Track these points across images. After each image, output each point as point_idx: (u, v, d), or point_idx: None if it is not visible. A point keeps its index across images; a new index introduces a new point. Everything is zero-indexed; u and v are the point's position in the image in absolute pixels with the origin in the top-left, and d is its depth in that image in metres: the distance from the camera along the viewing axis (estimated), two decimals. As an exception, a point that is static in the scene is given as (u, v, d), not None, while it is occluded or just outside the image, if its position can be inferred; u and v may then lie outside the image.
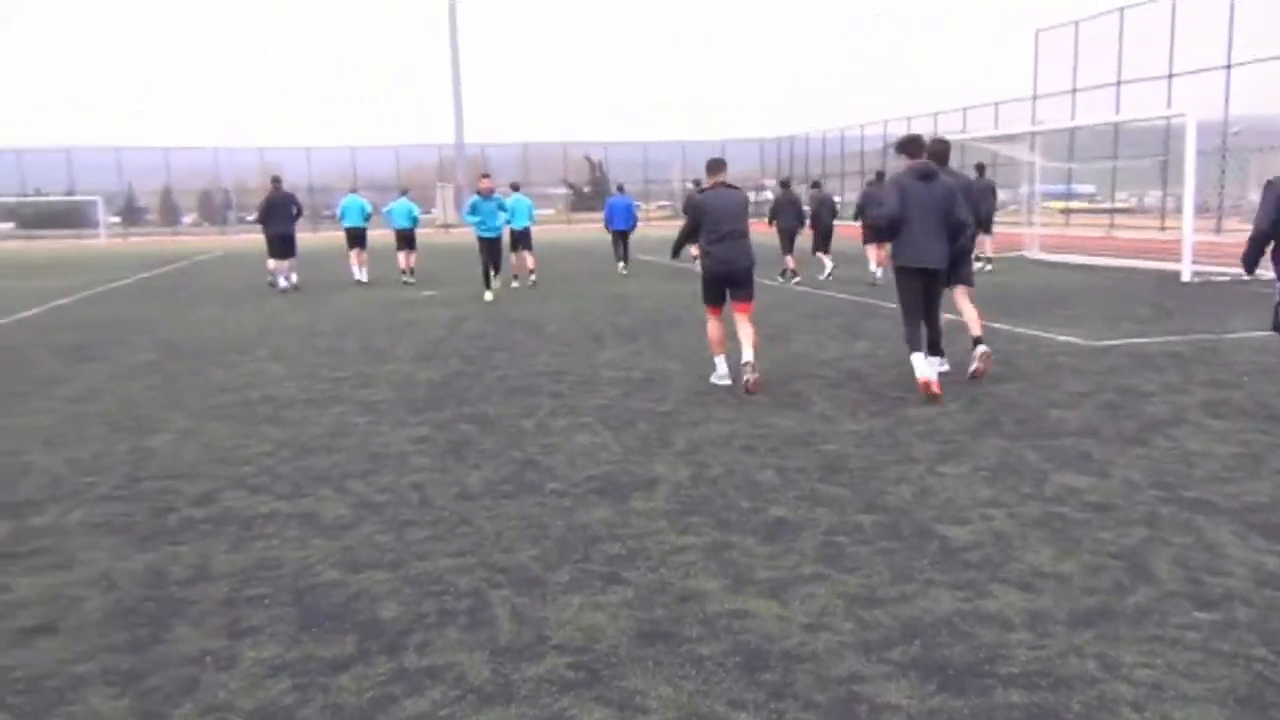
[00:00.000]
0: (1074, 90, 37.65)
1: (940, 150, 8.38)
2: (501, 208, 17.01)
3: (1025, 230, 25.16)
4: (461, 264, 24.91)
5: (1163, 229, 31.18)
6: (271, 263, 19.07)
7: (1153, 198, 41.39)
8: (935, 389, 7.53)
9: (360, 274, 20.30)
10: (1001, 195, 43.45)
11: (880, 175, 19.26)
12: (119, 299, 18.27)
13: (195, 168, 67.80)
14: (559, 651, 3.53)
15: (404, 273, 20.18)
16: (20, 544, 4.81)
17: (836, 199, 24.84)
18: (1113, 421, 6.74)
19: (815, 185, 20.18)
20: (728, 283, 8.44)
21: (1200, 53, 32.01)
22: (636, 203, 24.52)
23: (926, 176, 7.86)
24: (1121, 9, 35.46)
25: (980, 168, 20.35)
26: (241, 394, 8.43)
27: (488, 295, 16.18)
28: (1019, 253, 24.27)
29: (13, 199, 64.57)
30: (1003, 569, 4.18)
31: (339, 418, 7.42)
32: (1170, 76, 33.20)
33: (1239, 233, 21.90)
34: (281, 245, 18.83)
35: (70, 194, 63.04)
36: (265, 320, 14.08)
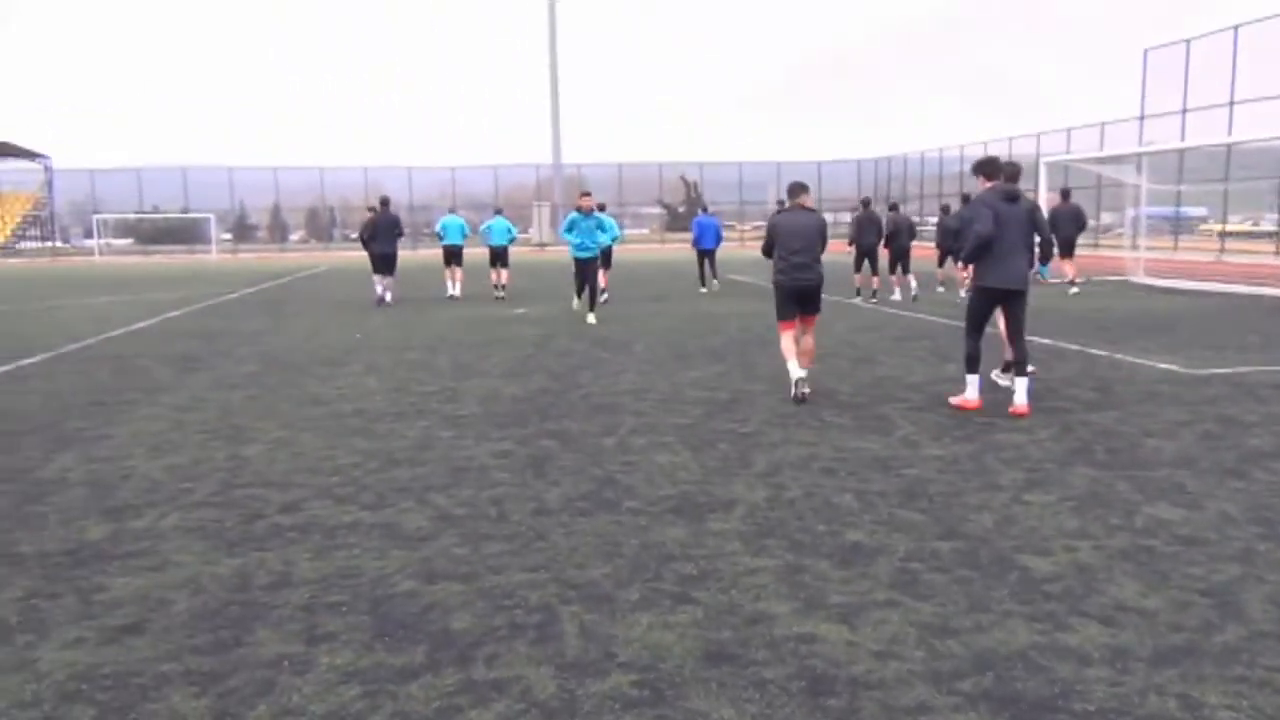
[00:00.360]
0: (1184, 110, 36.50)
1: (1014, 173, 8.42)
2: (601, 228, 16.39)
3: (1129, 254, 24.39)
4: (553, 282, 25.20)
5: (1278, 253, 29.99)
6: (376, 278, 20.01)
7: (1269, 221, 39.90)
8: (973, 406, 8.06)
9: (455, 289, 21.07)
10: (1107, 218, 42.55)
11: (945, 209, 20.03)
12: (226, 312, 18.93)
13: (302, 186, 69.98)
14: (624, 669, 3.54)
15: (496, 288, 20.98)
16: (118, 546, 5.00)
17: (916, 219, 24.85)
18: (1211, 453, 6.50)
19: (893, 207, 20.15)
20: (798, 298, 8.91)
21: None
22: (727, 221, 25.08)
23: (1011, 198, 8.01)
24: (1236, 27, 34.33)
25: (1065, 193, 20.59)
26: (334, 406, 8.66)
27: (575, 304, 16.54)
28: (1122, 277, 23.59)
29: (133, 216, 67.48)
30: (1084, 602, 4.07)
31: (425, 431, 7.57)
32: (1288, 96, 31.99)
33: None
34: (384, 263, 19.76)
35: (185, 211, 65.60)
36: (362, 334, 14.43)
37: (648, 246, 57.99)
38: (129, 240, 72.93)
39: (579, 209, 16.05)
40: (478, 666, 3.59)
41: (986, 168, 8.26)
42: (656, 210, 74.47)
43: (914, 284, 18.64)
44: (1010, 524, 5.10)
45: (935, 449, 6.75)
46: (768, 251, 9.14)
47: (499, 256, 21.21)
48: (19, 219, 69.60)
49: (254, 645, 3.80)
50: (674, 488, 5.91)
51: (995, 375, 8.68)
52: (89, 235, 65.19)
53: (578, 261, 15.96)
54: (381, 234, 19.59)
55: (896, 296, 18.69)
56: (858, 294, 18.89)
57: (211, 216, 61.78)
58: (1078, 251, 20.52)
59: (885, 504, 5.49)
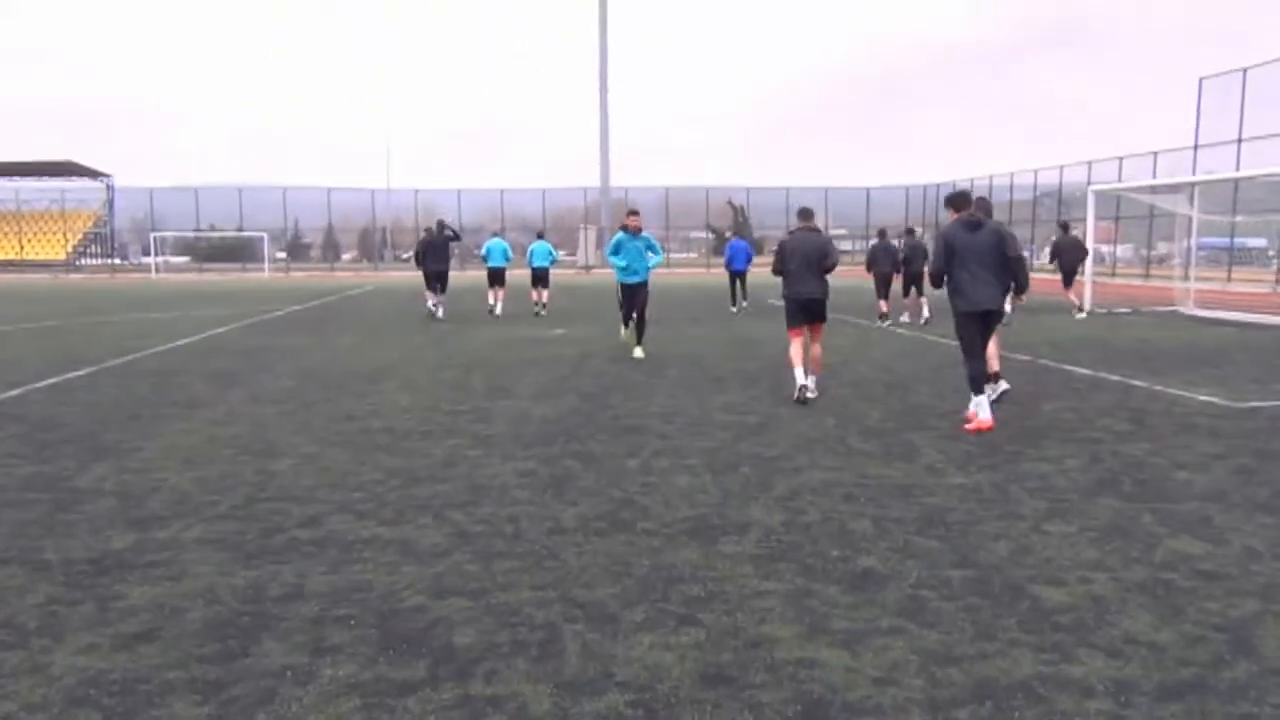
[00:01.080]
0: (1239, 140, 35.94)
1: (985, 206, 9.39)
2: (651, 248, 14.33)
3: (1179, 284, 24.00)
4: (595, 304, 25.36)
5: (1335, 286, 29.34)
6: (429, 294, 21.55)
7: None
8: (987, 427, 8.28)
9: (497, 308, 21.99)
10: (1162, 248, 41.87)
11: (910, 231, 21.10)
12: (270, 328, 19.25)
13: (356, 207, 71.12)
14: (621, 689, 3.55)
15: (536, 305, 22.33)
16: (140, 555, 5.11)
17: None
18: (1244, 487, 6.38)
19: (909, 232, 20.91)
20: (802, 310, 10.09)
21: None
22: (773, 247, 25.87)
23: (973, 226, 8.62)
24: (1294, 56, 33.77)
25: (1064, 225, 22.29)
26: (365, 423, 8.77)
27: (623, 333, 15.24)
28: (1172, 308, 23.21)
29: (190, 234, 68.89)
30: (1094, 634, 4.01)
31: (452, 449, 7.63)
32: (1347, 126, 31.39)
33: None
34: (436, 280, 21.28)
35: (240, 230, 66.89)
36: (400, 353, 14.60)
37: (693, 270, 58.03)
38: (186, 258, 74.52)
39: (624, 228, 14.30)
40: (476, 682, 3.62)
41: (955, 200, 8.92)
42: (704, 235, 74.59)
43: (926, 308, 19.12)
44: (1026, 553, 5.04)
45: (959, 477, 6.68)
46: (777, 270, 10.25)
47: (540, 278, 22.39)
48: (80, 236, 71.42)
49: (260, 655, 3.86)
50: (691, 510, 5.91)
51: (989, 391, 8.72)
52: (147, 253, 66.71)
53: (624, 287, 14.27)
54: (434, 253, 21.16)
55: (906, 319, 19.49)
56: (881, 319, 19.61)
57: (265, 235, 62.94)
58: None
59: (902, 531, 5.45)
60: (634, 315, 14.24)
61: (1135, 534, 5.37)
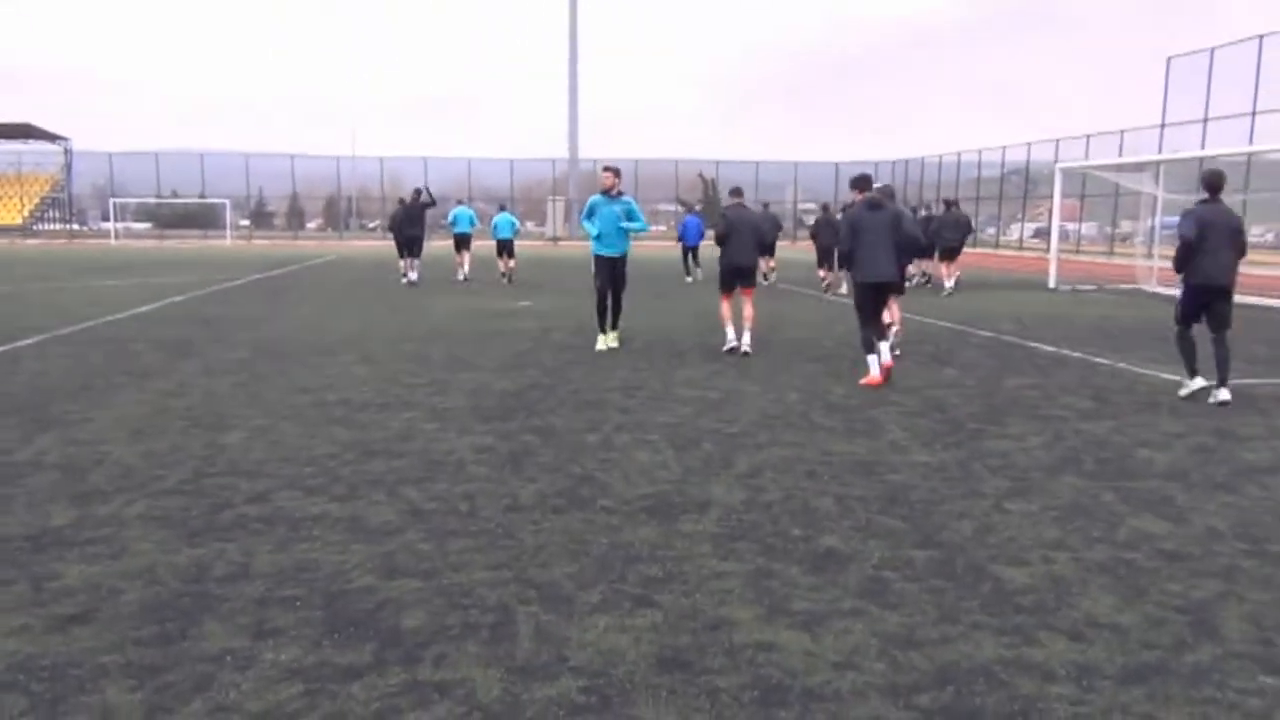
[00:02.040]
0: (1205, 120, 36.15)
1: (888, 191, 10.61)
2: (631, 214, 11.70)
3: (1142, 263, 24.14)
4: (562, 276, 25.20)
5: (1295, 266, 29.62)
6: (402, 263, 22.66)
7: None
8: (881, 380, 9.30)
9: (464, 271, 23.52)
10: (1127, 226, 42.09)
11: (825, 207, 23.82)
12: (229, 297, 18.90)
13: (320, 175, 70.16)
14: (574, 674, 3.44)
15: (502, 275, 23.36)
16: (80, 532, 4.93)
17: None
18: (1204, 466, 6.36)
19: (845, 209, 21.22)
20: (737, 276, 11.41)
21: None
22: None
23: (875, 207, 9.69)
24: (1260, 36, 33.96)
25: (948, 202, 22.90)
26: (320, 395, 8.58)
27: (601, 343, 11.70)
28: (1135, 286, 23.35)
29: (151, 200, 67.71)
30: (1055, 615, 3.94)
31: (408, 423, 7.48)
32: (1309, 107, 31.64)
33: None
34: (411, 245, 22.45)
35: (202, 197, 65.79)
36: (360, 324, 14.37)
37: (663, 244, 57.72)
38: (148, 224, 73.26)
39: (604, 190, 11.73)
40: (424, 667, 3.50)
41: (859, 184, 10.04)
42: (674, 208, 74.25)
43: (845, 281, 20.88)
44: (989, 533, 4.98)
45: (923, 455, 6.62)
46: (720, 240, 11.38)
47: (505, 248, 23.47)
48: (38, 200, 69.98)
49: (199, 639, 3.71)
50: (651, 487, 5.81)
51: (883, 349, 9.53)
52: (107, 218, 65.46)
53: (599, 260, 11.75)
54: (409, 219, 22.52)
55: (845, 290, 20.51)
56: (825, 290, 21.20)
57: (227, 202, 61.96)
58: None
59: (865, 509, 5.38)
60: (610, 305, 11.85)
61: (1097, 513, 5.32)
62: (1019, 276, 22.54)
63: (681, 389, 9.05)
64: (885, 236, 9.48)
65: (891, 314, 10.49)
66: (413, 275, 22.40)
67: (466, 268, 23.66)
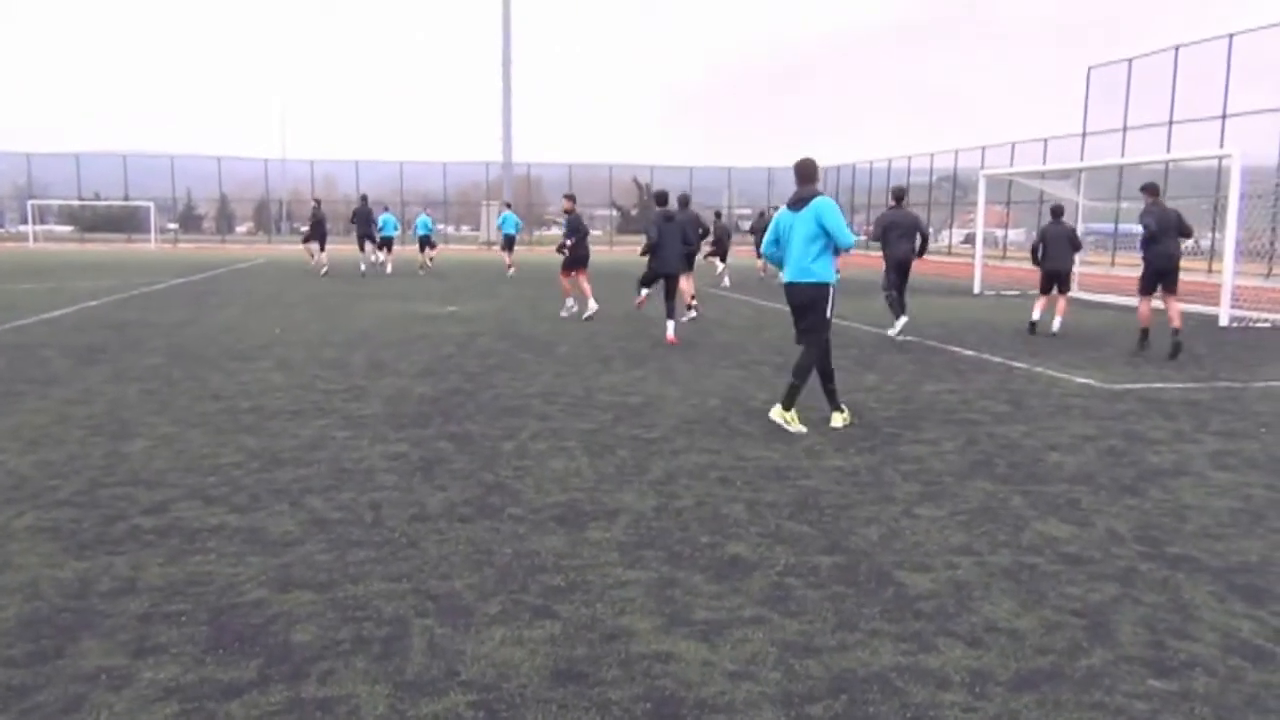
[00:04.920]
0: (1125, 128, 37.04)
1: (683, 199, 15.08)
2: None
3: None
4: (491, 281, 25.04)
5: (1209, 272, 30.45)
6: (364, 259, 28.66)
7: (1208, 240, 40.54)
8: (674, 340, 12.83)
9: (387, 268, 28.99)
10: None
11: (762, 214, 29.21)
12: (147, 302, 18.44)
13: (250, 177, 68.91)
14: (464, 688, 3.36)
15: (421, 266, 30.26)
16: (-39, 546, 4.72)
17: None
18: (1111, 469, 6.46)
19: (717, 215, 28.62)
20: (665, 276, 13.63)
21: (1257, 94, 31.38)
22: None
23: (669, 218, 13.58)
24: (1176, 47, 34.88)
25: (718, 213, 29.29)
26: (231, 402, 8.37)
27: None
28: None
29: (75, 202, 65.91)
30: (954, 621, 3.95)
31: (320, 431, 7.32)
32: (1224, 117, 32.57)
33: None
34: (368, 238, 28.43)
35: (125, 200, 64.22)
36: (282, 329, 14.07)
37: (597, 248, 57.61)
38: (70, 228, 71.32)
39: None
40: (309, 684, 3.39)
41: (661, 199, 13.99)
42: (608, 212, 74.23)
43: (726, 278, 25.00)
44: (896, 538, 4.99)
45: (837, 459, 6.64)
46: (649, 249, 13.74)
47: (425, 242, 30.93)
48: (-49, 202, 67.74)
49: (75, 657, 3.56)
50: (563, 494, 5.73)
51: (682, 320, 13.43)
52: (26, 220, 63.53)
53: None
54: (363, 219, 28.37)
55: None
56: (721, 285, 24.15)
57: (151, 205, 60.56)
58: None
59: (774, 515, 5.36)
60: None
61: (1004, 517, 5.37)
62: (947, 282, 22.90)
63: (602, 395, 8.98)
64: (677, 239, 13.47)
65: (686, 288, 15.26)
66: (371, 259, 28.73)
67: (389, 265, 29.37)
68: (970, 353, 12.27)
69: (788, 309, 7.89)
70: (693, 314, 15.67)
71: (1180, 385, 9.94)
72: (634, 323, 15.58)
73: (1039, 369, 10.91)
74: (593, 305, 15.87)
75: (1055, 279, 14.66)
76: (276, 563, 4.56)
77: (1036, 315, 14.87)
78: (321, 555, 4.67)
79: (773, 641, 3.75)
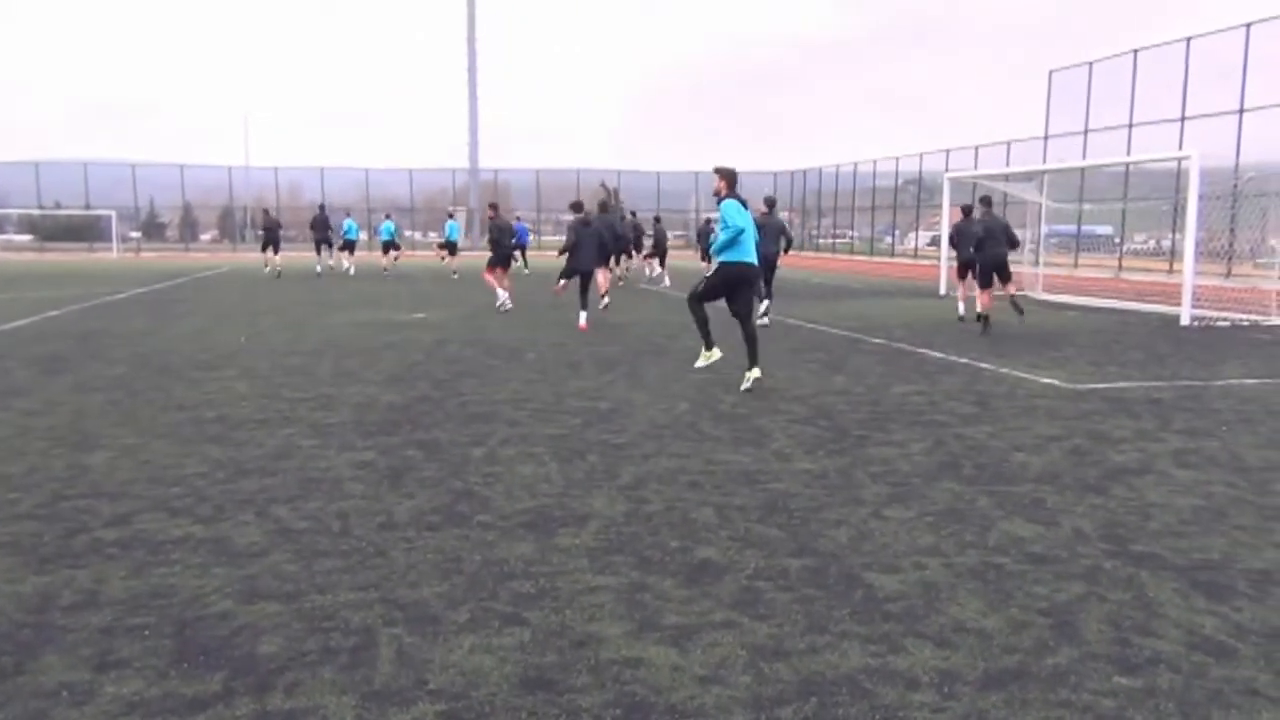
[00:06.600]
0: (1086, 131, 37.51)
1: (601, 205, 17.71)
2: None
3: (1028, 270, 24.85)
4: (458, 290, 24.94)
5: (1170, 272, 30.87)
6: (320, 262, 31.99)
7: (1169, 241, 41.09)
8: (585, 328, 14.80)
9: (351, 270, 32.88)
10: (1016, 234, 43.29)
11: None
12: (110, 312, 18.22)
13: (213, 185, 68.27)
14: (432, 698, 3.34)
15: (385, 269, 33.27)
16: (-82, 562, 4.64)
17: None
18: (1076, 468, 6.52)
19: (657, 219, 30.99)
20: (582, 273, 15.77)
21: (1215, 96, 31.87)
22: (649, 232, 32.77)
23: (586, 224, 15.75)
24: (1135, 50, 35.37)
25: (657, 218, 31.24)
26: (196, 412, 8.28)
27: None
28: (1022, 292, 23.98)
29: (36, 212, 65.02)
30: (923, 622, 3.97)
31: (286, 440, 7.25)
32: (1183, 119, 33.07)
33: (1250, 278, 21.64)
34: (324, 243, 31.88)
35: (86, 208, 63.45)
36: (247, 337, 13.95)
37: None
38: (29, 237, 70.34)
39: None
40: (275, 695, 3.35)
41: (578, 207, 16.35)
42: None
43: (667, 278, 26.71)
44: (865, 540, 5.01)
45: (806, 463, 6.66)
46: (567, 248, 15.93)
47: (388, 246, 33.73)
48: (-93, 212, 66.67)
49: (35, 673, 3.51)
50: (532, 501, 5.71)
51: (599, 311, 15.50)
52: (-13, 230, 62.65)
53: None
54: (321, 225, 31.81)
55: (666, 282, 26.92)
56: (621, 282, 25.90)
57: (112, 214, 59.87)
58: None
59: (744, 519, 5.37)
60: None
61: (971, 517, 5.40)
62: (914, 284, 23.10)
63: (572, 400, 8.97)
64: (595, 242, 15.79)
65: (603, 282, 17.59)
66: (329, 263, 32.83)
67: (352, 268, 33.35)
68: (938, 354, 12.37)
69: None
70: (606, 300, 17.66)
71: (1143, 384, 10.06)
72: (603, 329, 15.57)
73: (1005, 370, 11.01)
74: (503, 297, 18.21)
75: (996, 269, 15.29)
76: (242, 574, 4.51)
77: (976, 308, 15.69)
78: (288, 565, 4.62)
79: (743, 645, 3.75)
